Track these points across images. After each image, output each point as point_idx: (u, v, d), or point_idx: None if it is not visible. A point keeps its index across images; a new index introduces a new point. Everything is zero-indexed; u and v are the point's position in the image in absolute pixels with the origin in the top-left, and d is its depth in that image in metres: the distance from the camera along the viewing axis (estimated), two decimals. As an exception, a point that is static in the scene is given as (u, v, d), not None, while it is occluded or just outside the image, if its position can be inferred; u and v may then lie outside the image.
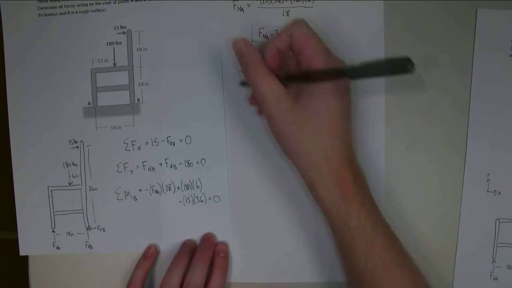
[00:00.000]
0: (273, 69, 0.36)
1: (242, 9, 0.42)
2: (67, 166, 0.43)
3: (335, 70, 0.33)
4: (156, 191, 0.43)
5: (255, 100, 0.39)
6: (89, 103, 0.43)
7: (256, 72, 0.35)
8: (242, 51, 0.37)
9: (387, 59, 0.28)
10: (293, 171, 0.42)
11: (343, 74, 0.33)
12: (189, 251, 0.41)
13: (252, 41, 0.41)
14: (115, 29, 0.43)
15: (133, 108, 0.43)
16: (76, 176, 0.43)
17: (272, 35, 0.41)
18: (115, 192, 0.43)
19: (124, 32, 0.43)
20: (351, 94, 0.37)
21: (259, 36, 0.41)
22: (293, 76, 0.36)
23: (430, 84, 0.41)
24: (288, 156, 0.37)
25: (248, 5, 0.42)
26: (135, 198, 0.43)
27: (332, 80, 0.34)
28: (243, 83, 0.41)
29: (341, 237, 0.35)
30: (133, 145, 0.43)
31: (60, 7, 0.43)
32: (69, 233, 0.44)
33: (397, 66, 0.28)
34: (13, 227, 0.44)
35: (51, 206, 0.44)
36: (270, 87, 0.35)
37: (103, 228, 0.43)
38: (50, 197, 0.44)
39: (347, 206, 0.34)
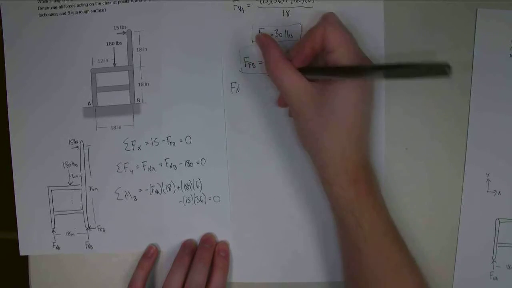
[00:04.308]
0: (302, 66, 0.36)
1: (242, 9, 0.42)
2: (67, 166, 0.43)
3: (365, 67, 0.33)
4: (156, 191, 0.43)
5: (282, 102, 0.40)
6: (89, 103, 0.43)
7: (277, 69, 0.35)
8: (264, 46, 0.37)
9: (424, 63, 0.28)
10: (293, 172, 0.42)
11: (373, 72, 0.32)
12: (190, 252, 0.41)
13: (252, 41, 0.41)
14: (115, 29, 0.43)
15: (133, 108, 0.43)
16: (76, 176, 0.43)
17: (272, 35, 0.41)
18: (115, 192, 0.43)
19: (124, 32, 0.43)
20: (374, 95, 0.36)
21: (259, 36, 0.41)
22: (319, 69, 0.35)
23: (430, 84, 0.41)
24: (307, 151, 0.37)
25: (248, 5, 0.42)
26: (135, 198, 0.43)
27: (361, 77, 0.33)
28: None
29: (352, 237, 0.35)
30: (133, 145, 0.43)
31: (60, 7, 0.43)
32: (69, 233, 0.44)
33: (435, 69, 0.27)
34: (13, 227, 0.44)
35: (51, 206, 0.44)
36: (293, 83, 0.35)
37: (103, 228, 0.43)
38: (50, 197, 0.44)
39: (360, 206, 0.34)
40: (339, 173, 0.34)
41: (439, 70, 0.26)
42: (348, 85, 0.33)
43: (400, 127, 0.41)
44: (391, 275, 0.34)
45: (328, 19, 0.35)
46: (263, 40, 0.37)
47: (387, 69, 0.30)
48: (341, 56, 0.33)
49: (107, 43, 0.43)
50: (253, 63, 0.42)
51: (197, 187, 0.43)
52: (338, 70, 0.34)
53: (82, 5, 0.43)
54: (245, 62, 0.42)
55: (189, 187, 0.43)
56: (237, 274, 0.43)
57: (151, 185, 0.43)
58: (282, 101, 0.40)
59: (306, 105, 0.34)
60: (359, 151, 0.34)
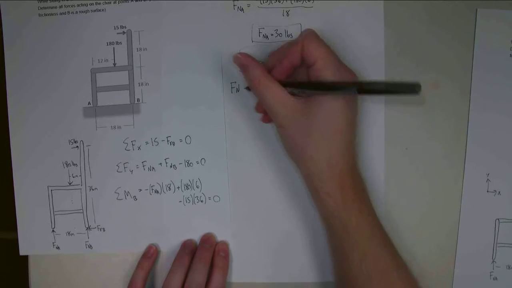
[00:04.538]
0: (280, 79, 0.37)
1: (242, 9, 0.42)
2: (67, 166, 0.43)
3: (345, 83, 0.34)
4: (156, 191, 0.43)
5: (261, 107, 0.40)
6: (89, 103, 0.43)
7: (260, 85, 0.36)
8: (244, 66, 0.37)
9: (396, 82, 0.34)
10: (293, 171, 0.42)
11: (352, 88, 0.34)
12: (190, 252, 0.41)
13: (252, 41, 0.41)
14: (115, 29, 0.43)
15: (133, 108, 0.43)
16: (76, 176, 0.43)
17: (272, 35, 0.41)
18: (115, 192, 0.43)
19: (124, 32, 0.43)
20: (358, 104, 0.37)
21: (259, 36, 0.41)
22: (302, 84, 0.36)
23: (430, 84, 0.41)
24: (293, 161, 0.38)
25: (248, 5, 0.42)
26: (135, 198, 0.43)
27: (341, 93, 0.34)
28: (248, 88, 0.41)
29: (339, 242, 0.36)
30: (133, 145, 0.43)
31: (60, 7, 0.43)
32: (69, 233, 0.44)
33: (405, 87, 0.32)
34: (13, 227, 0.44)
35: (51, 206, 0.44)
36: (277, 98, 0.36)
37: (103, 228, 0.43)
38: (50, 197, 0.44)
39: (346, 211, 0.35)
40: (325, 180, 0.35)
41: (410, 88, 0.31)
42: (330, 97, 0.34)
43: (400, 127, 0.41)
44: (378, 279, 0.34)
45: (305, 35, 0.36)
46: (243, 61, 0.37)
47: (360, 85, 0.34)
48: (322, 67, 0.34)
49: (107, 43, 0.43)
50: (253, 63, 0.42)
51: (197, 187, 0.43)
52: (316, 85, 0.35)
53: (82, 5, 0.43)
54: (245, 62, 0.42)
55: (189, 187, 0.43)
56: (237, 274, 0.43)
57: (151, 185, 0.43)
58: (259, 107, 0.41)
59: (290, 118, 0.35)
60: (345, 158, 0.35)
